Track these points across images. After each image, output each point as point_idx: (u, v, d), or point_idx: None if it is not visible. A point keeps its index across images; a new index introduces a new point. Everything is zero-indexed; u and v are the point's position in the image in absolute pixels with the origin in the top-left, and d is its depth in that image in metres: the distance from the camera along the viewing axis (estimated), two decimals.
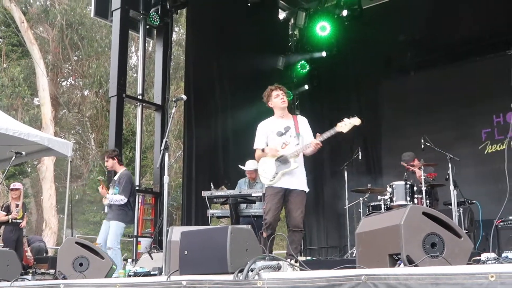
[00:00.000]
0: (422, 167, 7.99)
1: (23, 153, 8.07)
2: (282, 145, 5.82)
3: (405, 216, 3.35)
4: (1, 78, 22.67)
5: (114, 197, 7.62)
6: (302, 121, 5.99)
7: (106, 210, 7.80)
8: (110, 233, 7.57)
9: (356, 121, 5.63)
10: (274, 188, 5.74)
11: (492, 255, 4.39)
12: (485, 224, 8.43)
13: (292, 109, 12.98)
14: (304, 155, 5.86)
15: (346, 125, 5.63)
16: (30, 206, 21.26)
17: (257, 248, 3.80)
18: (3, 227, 9.91)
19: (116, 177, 7.83)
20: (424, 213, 3.45)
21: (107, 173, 8.75)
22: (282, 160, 5.72)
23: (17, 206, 9.67)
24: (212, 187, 8.32)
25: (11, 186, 10.01)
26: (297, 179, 5.72)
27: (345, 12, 11.80)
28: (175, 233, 4.50)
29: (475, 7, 10.61)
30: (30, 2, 24.32)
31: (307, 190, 5.79)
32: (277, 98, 5.92)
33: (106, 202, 7.68)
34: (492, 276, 2.44)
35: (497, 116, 10.48)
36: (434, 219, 3.45)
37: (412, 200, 7.78)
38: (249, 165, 8.42)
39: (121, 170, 7.97)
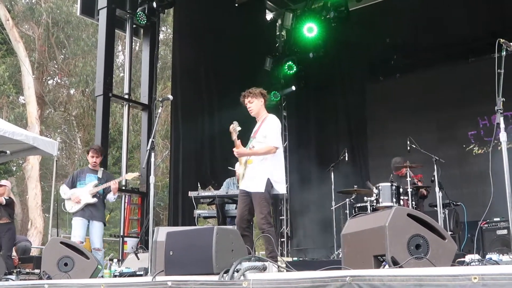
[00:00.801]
0: (408, 169, 8.03)
1: (8, 152, 8.00)
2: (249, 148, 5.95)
3: (390, 217, 3.37)
4: None
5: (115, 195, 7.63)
6: (267, 122, 5.93)
7: (76, 208, 7.50)
8: (98, 234, 7.47)
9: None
10: (240, 190, 5.89)
11: (476, 256, 4.42)
12: (470, 225, 8.50)
13: (279, 109, 13.00)
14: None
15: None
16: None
17: (243, 249, 3.80)
18: None
19: (100, 175, 7.69)
20: (409, 215, 3.48)
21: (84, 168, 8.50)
22: (245, 164, 5.88)
23: None
24: (199, 187, 8.31)
25: None
26: (254, 182, 5.71)
27: (332, 14, 11.81)
28: (161, 233, 4.50)
29: (460, 10, 10.72)
30: None
31: (262, 191, 5.63)
32: (247, 107, 5.98)
33: (93, 200, 7.54)
34: (475, 278, 2.47)
35: (482, 119, 10.57)
36: (418, 221, 3.48)
37: (398, 201, 7.81)
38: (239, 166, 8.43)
39: (101, 169, 7.89)
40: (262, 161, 5.75)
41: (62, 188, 7.77)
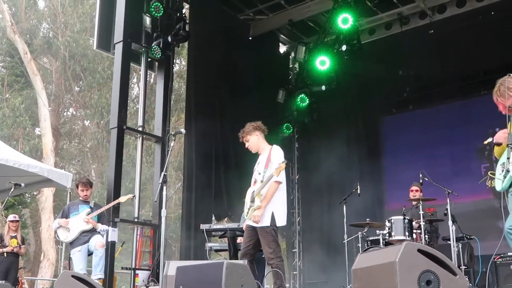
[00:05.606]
0: (421, 202, 7.98)
1: (22, 184, 8.11)
2: (253, 181, 6.00)
3: (400, 253, 3.36)
4: (2, 109, 22.82)
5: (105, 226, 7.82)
6: (273, 153, 5.97)
7: (71, 237, 7.67)
8: (102, 261, 7.57)
9: None
10: (247, 225, 5.96)
11: None
12: (484, 259, 8.37)
13: (291, 141, 13.04)
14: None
15: None
16: (28, 237, 21.15)
17: (253, 284, 3.79)
18: None
19: (92, 205, 7.92)
20: (419, 250, 3.46)
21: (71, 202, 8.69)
22: (251, 197, 5.86)
23: (12, 238, 9.70)
24: (214, 219, 8.31)
25: (12, 218, 9.99)
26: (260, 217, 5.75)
27: (344, 47, 11.88)
28: (171, 267, 4.51)
29: (472, 43, 10.74)
30: (34, 33, 24.62)
31: (268, 224, 5.69)
32: (246, 146, 6.21)
33: (88, 226, 7.68)
34: None
35: None
36: (429, 256, 3.46)
37: (411, 235, 7.75)
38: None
39: (92, 201, 8.11)
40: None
41: (54, 222, 7.98)
